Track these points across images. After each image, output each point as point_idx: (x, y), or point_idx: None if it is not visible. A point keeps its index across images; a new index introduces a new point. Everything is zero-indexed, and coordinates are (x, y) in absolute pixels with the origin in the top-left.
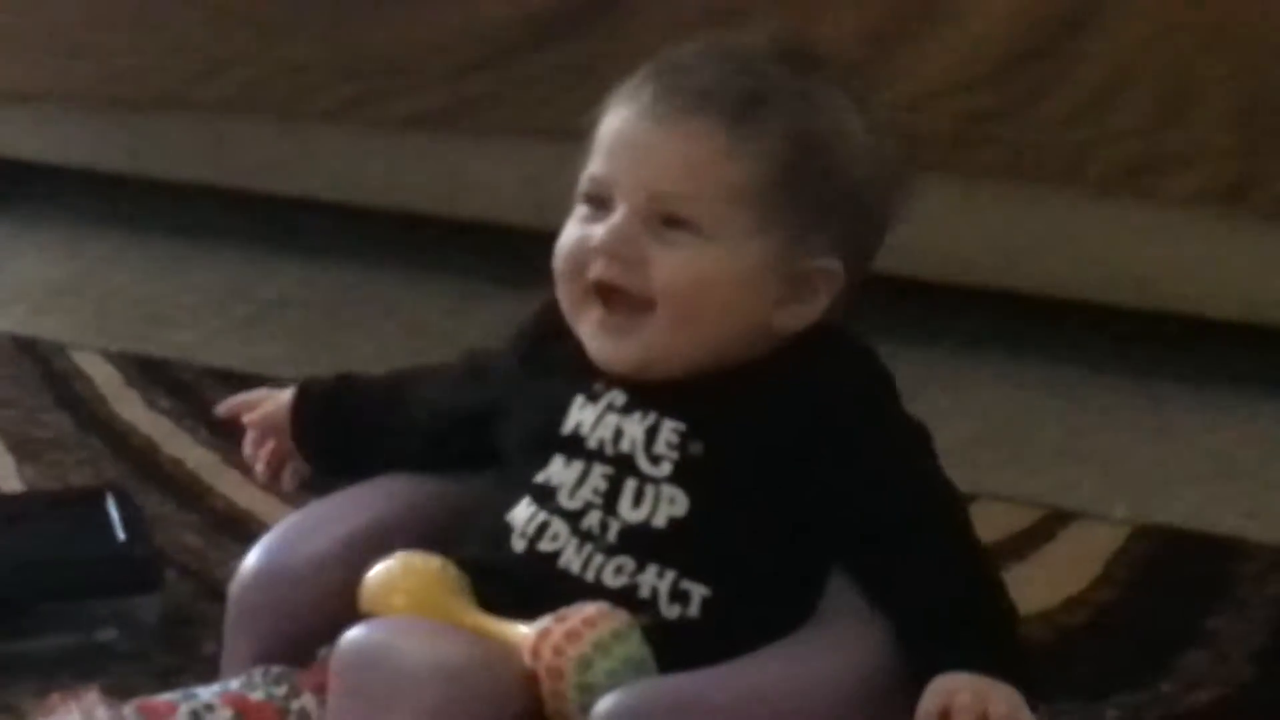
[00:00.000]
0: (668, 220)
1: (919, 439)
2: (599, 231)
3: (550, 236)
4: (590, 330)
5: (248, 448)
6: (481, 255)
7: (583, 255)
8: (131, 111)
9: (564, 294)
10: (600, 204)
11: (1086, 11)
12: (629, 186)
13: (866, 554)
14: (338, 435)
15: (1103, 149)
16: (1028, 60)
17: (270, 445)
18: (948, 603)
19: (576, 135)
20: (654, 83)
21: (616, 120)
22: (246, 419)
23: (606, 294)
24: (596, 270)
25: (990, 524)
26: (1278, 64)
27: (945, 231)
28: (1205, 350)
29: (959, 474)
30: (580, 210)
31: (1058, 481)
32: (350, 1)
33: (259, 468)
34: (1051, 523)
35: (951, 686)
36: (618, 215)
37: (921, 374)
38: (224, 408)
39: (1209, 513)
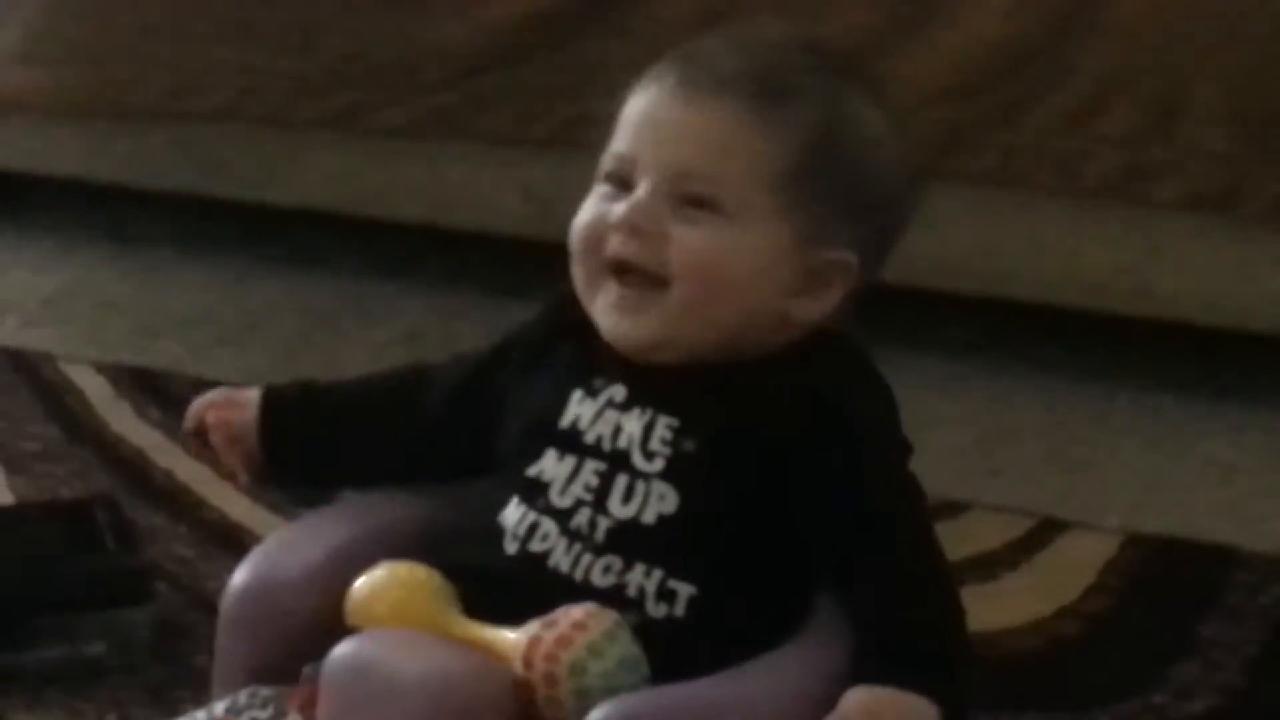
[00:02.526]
0: (690, 200)
1: (899, 452)
2: (620, 208)
3: (542, 245)
4: (604, 308)
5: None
6: (473, 265)
7: (600, 231)
8: (122, 122)
9: (579, 272)
10: (622, 183)
11: (1077, 18)
12: (652, 164)
13: (833, 559)
14: (311, 447)
15: (1093, 156)
16: (1017, 67)
17: (236, 449)
18: (893, 616)
19: (568, 144)
20: (680, 65)
21: (641, 100)
22: (211, 419)
23: (622, 271)
24: (614, 246)
25: (983, 533)
26: (1268, 69)
27: (936, 238)
28: (1198, 357)
29: (951, 483)
30: (600, 189)
31: (1051, 490)
32: (341, 11)
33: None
34: (1044, 532)
35: (862, 707)
36: (640, 191)
37: (913, 382)
38: (189, 422)
39: (1202, 521)
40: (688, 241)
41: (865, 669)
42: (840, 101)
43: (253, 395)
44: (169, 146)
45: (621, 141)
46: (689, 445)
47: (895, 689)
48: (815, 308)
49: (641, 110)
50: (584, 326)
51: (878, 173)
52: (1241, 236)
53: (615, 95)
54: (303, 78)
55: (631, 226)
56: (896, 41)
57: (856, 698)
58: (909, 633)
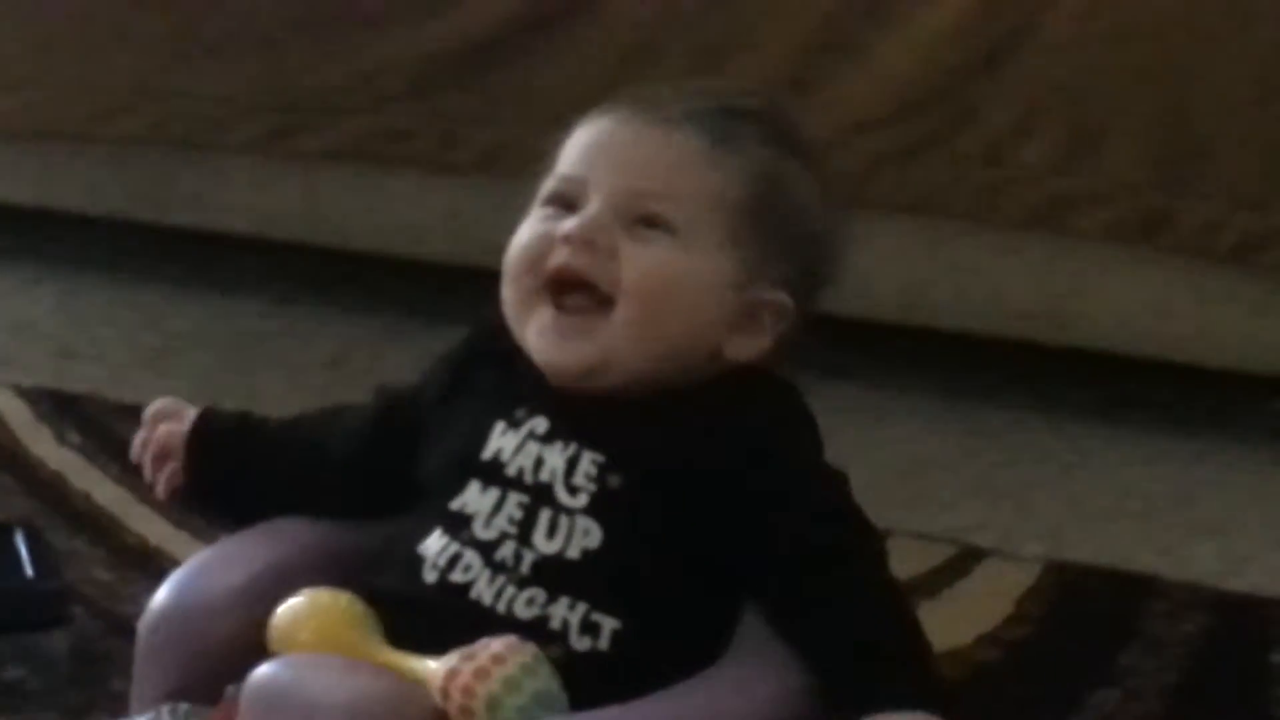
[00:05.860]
0: (643, 219)
1: (839, 482)
2: (569, 222)
3: (466, 271)
4: (539, 330)
5: (138, 449)
6: (396, 290)
7: (543, 249)
8: (43, 143)
9: (513, 292)
10: (567, 204)
11: (999, 51)
12: (605, 183)
13: (784, 593)
14: (233, 479)
15: (1014, 186)
16: (939, 98)
17: (165, 465)
18: (871, 641)
19: (491, 170)
20: (634, 101)
21: (592, 129)
22: (157, 430)
23: (561, 292)
24: (561, 257)
25: (902, 561)
26: (1189, 99)
27: (855, 269)
28: (1118, 387)
29: (871, 511)
30: (540, 213)
31: (970, 519)
32: (267, 34)
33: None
34: (964, 560)
35: None
36: (592, 206)
37: (833, 410)
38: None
39: (1121, 550)
40: (639, 258)
41: (854, 698)
42: (785, 150)
43: (191, 412)
44: (91, 169)
45: (569, 164)
46: (615, 481)
47: (895, 712)
48: (748, 346)
49: (593, 136)
50: (508, 356)
51: (813, 223)
52: (1161, 267)
53: (538, 124)
54: (226, 102)
55: (584, 238)
56: (817, 75)
57: None
58: (889, 657)
